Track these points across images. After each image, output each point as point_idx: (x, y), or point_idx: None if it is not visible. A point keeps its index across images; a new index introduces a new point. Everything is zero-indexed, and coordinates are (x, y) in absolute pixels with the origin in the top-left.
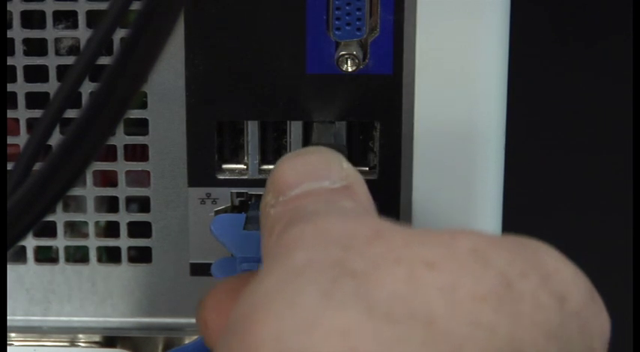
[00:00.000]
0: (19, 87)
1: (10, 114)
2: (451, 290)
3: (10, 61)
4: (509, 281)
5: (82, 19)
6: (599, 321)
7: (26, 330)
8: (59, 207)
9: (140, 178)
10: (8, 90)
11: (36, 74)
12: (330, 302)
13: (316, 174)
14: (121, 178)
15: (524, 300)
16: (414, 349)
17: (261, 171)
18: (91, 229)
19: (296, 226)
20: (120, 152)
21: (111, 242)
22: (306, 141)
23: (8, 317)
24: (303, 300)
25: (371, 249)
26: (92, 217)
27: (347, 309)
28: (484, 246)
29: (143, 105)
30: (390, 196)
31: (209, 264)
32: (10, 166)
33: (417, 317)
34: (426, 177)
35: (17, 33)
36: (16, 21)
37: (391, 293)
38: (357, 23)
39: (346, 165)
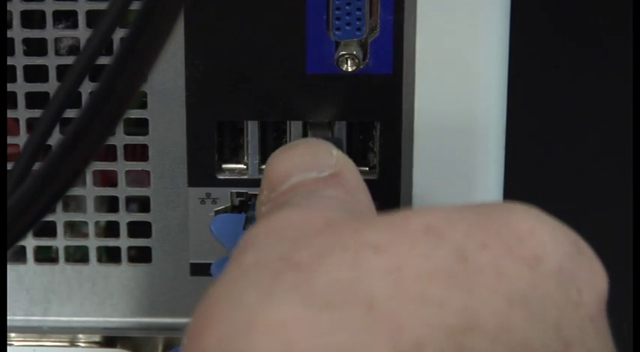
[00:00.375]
0: (19, 87)
1: (10, 114)
2: (396, 271)
3: (10, 61)
4: (465, 255)
5: (82, 19)
6: (586, 272)
7: (26, 330)
8: (59, 207)
9: (140, 178)
10: (8, 90)
11: (36, 74)
12: (269, 299)
13: (304, 166)
14: (121, 178)
15: (483, 272)
16: (352, 334)
17: (261, 171)
18: (91, 229)
19: (254, 226)
20: (120, 152)
21: (111, 242)
22: None
23: (8, 317)
24: (244, 301)
25: (319, 239)
26: (92, 217)
27: (284, 303)
28: (439, 222)
29: (143, 105)
30: (390, 196)
31: (209, 264)
32: (10, 166)
33: (357, 301)
34: (426, 177)
35: (17, 33)
36: (16, 21)
37: (332, 281)
38: (357, 23)
39: (336, 152)
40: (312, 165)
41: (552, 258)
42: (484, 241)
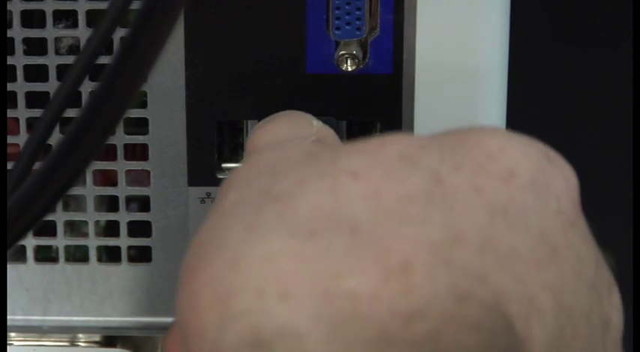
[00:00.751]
0: (19, 86)
1: (10, 113)
2: (375, 195)
3: (10, 61)
4: (440, 178)
5: (82, 19)
6: (560, 180)
7: (26, 330)
8: (59, 207)
9: (140, 178)
10: (8, 89)
11: (36, 73)
12: (254, 233)
13: (286, 135)
14: (121, 177)
15: (459, 190)
16: (340, 259)
17: None
18: (91, 229)
19: (235, 169)
20: (120, 151)
21: (111, 241)
22: None
23: (8, 317)
24: (230, 239)
25: (298, 170)
26: (92, 216)
27: (269, 236)
28: (413, 148)
29: (143, 105)
30: None
31: None
32: (10, 166)
33: (340, 227)
34: None
35: (17, 32)
36: (16, 20)
37: (314, 208)
38: (357, 23)
39: (316, 122)
40: (293, 134)
41: (525, 171)
42: (456, 163)
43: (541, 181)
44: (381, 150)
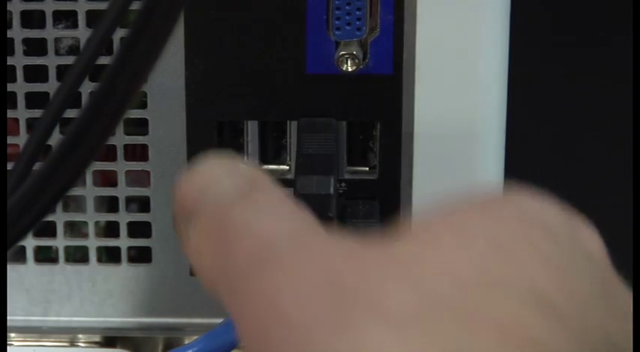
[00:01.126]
0: (19, 87)
1: (10, 114)
2: (452, 275)
3: (10, 61)
4: (498, 243)
5: (81, 19)
6: (587, 237)
7: (26, 330)
8: (59, 207)
9: (140, 178)
10: (8, 90)
11: (36, 74)
12: (347, 329)
13: (217, 176)
14: (121, 178)
15: (518, 253)
16: (449, 337)
17: None
18: (91, 229)
19: (261, 279)
20: (120, 152)
21: (111, 242)
22: None
23: (8, 317)
24: (323, 342)
25: (359, 265)
26: (92, 217)
27: (367, 329)
28: (460, 228)
29: (143, 105)
30: (390, 196)
31: None
32: (10, 166)
33: (435, 311)
34: (426, 177)
35: (17, 33)
36: (16, 21)
37: (401, 301)
38: (357, 23)
39: (243, 165)
40: (224, 173)
41: (556, 226)
42: (499, 244)
43: (569, 235)
44: (432, 238)
